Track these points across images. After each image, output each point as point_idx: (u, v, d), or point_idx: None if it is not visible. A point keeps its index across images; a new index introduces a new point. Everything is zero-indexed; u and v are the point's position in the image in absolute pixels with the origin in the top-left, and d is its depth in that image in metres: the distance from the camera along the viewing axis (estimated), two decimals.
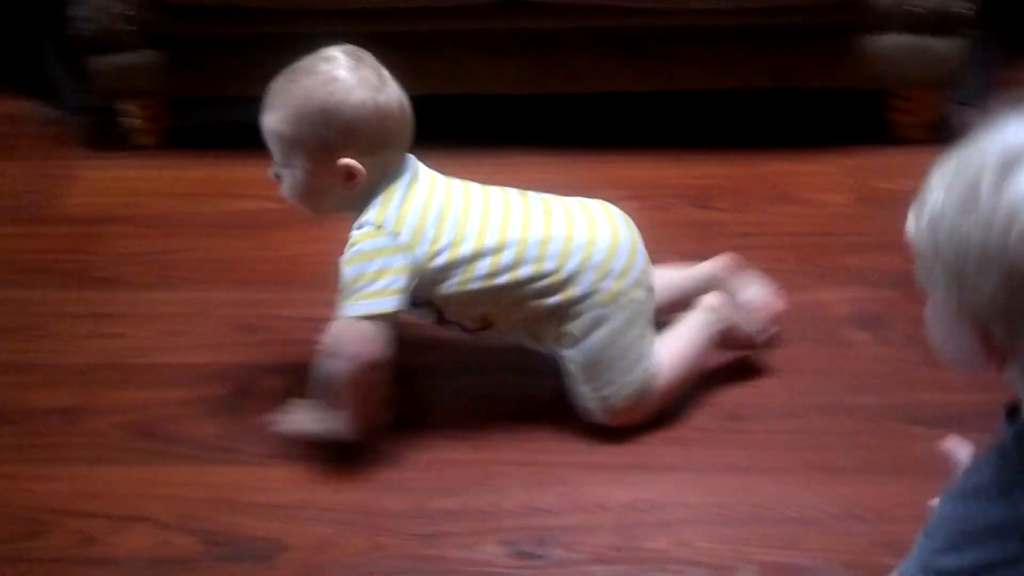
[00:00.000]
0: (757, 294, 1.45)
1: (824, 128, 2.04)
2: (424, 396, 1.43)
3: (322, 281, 1.43)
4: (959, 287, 0.78)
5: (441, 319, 1.32)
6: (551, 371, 1.35)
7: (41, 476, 1.32)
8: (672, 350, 1.34)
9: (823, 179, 1.88)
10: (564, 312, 1.27)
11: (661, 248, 1.42)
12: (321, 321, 1.30)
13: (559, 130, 2.08)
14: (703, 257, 1.66)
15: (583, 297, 1.27)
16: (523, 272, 1.26)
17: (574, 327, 1.28)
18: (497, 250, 1.26)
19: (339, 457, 1.32)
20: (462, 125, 2.10)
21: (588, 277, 1.26)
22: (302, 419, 1.31)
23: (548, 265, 1.26)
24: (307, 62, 1.26)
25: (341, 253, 1.26)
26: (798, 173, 1.90)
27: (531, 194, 1.36)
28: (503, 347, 1.38)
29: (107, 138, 2.05)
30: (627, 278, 1.28)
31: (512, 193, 1.35)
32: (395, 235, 1.23)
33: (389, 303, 1.21)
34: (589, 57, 1.96)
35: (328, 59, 1.25)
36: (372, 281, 1.21)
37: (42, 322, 1.59)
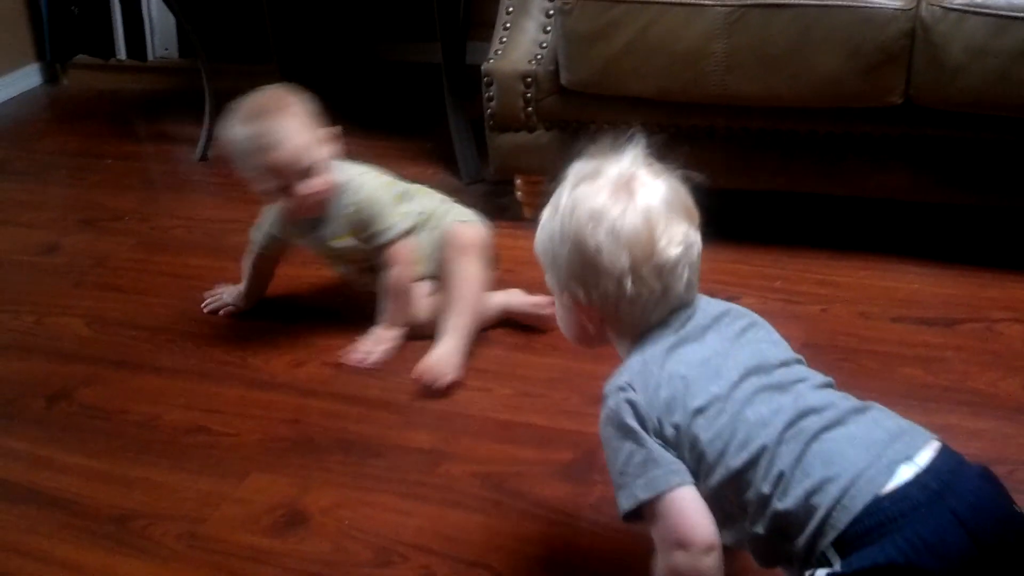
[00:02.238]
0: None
1: None
2: None
3: None
4: (555, 266, 1.12)
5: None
6: None
7: (400, 509, 1.41)
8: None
9: None
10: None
11: None
12: None
13: (951, 241, 1.97)
14: None
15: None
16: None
17: None
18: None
19: None
20: (844, 226, 2.05)
21: None
22: (363, 349, 1.76)
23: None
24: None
25: None
26: None
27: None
28: None
29: (496, 206, 2.20)
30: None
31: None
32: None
33: (407, 222, 1.77)
34: (994, 168, 1.84)
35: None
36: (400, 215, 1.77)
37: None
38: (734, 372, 1.04)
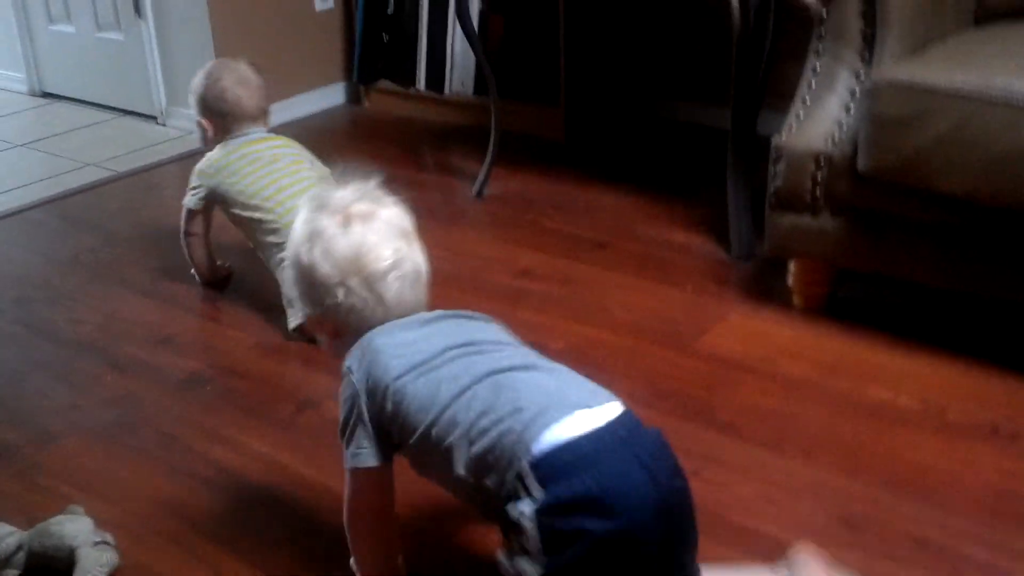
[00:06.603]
0: None
1: None
2: None
3: (943, 499, 1.27)
4: (296, 291, 1.32)
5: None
6: None
7: None
8: None
9: None
10: (279, 247, 1.88)
11: None
12: (917, 542, 1.14)
13: None
14: None
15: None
16: (258, 215, 2.01)
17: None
18: (252, 197, 2.02)
19: None
20: None
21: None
22: None
23: (273, 215, 1.99)
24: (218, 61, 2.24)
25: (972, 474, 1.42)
26: None
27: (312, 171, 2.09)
28: None
29: (763, 289, 2.08)
30: None
31: (302, 167, 2.09)
32: (211, 165, 2.09)
33: (195, 200, 2.12)
34: None
35: (222, 62, 2.20)
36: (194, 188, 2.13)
37: None
38: (438, 346, 1.20)
